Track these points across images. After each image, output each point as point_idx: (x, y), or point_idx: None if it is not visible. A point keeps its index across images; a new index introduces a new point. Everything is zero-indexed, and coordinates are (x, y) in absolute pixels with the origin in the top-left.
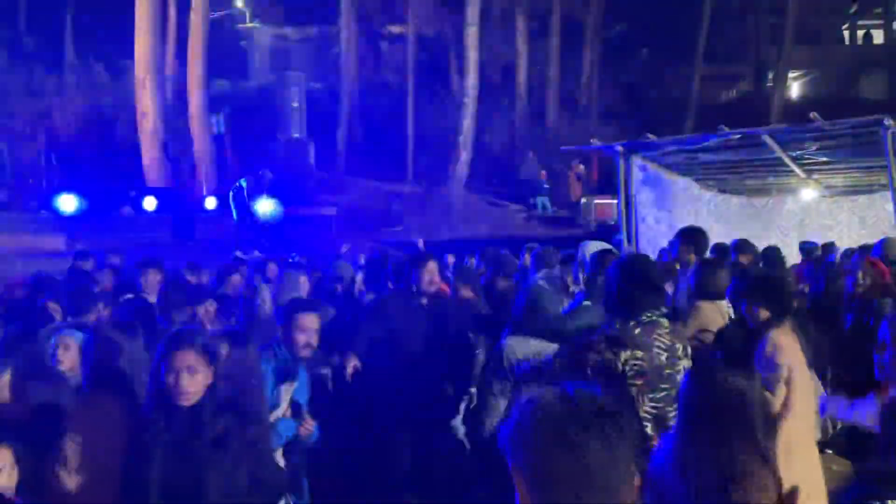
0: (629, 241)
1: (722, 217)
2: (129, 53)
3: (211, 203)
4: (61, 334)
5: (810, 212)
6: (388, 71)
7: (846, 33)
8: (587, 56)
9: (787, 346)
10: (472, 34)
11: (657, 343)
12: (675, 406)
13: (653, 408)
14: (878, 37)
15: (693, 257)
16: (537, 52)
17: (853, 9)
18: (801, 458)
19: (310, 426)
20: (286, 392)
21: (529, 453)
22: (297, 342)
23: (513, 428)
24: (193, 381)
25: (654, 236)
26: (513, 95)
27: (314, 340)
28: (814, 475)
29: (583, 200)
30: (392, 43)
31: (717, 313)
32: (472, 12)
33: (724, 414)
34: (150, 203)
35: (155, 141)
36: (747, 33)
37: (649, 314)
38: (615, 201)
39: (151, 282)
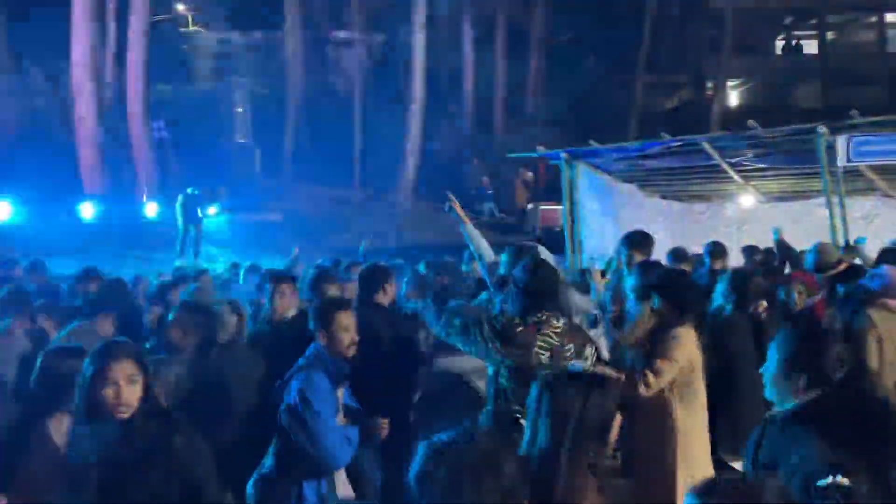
0: (573, 246)
1: (664, 223)
2: (67, 57)
3: (152, 210)
4: None
5: (749, 217)
6: (335, 76)
7: (781, 44)
8: (533, 64)
9: (687, 342)
10: (419, 41)
11: (540, 342)
12: None
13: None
14: (812, 47)
15: (640, 259)
16: (484, 59)
17: (788, 20)
18: (696, 451)
19: (385, 424)
20: (340, 397)
21: (434, 492)
22: (342, 342)
23: (417, 469)
24: (133, 392)
25: (598, 241)
26: (460, 102)
27: (356, 337)
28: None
29: (529, 206)
30: (339, 48)
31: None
32: (419, 19)
33: (556, 423)
34: (87, 210)
35: (93, 146)
36: (687, 43)
37: (539, 315)
38: (561, 207)
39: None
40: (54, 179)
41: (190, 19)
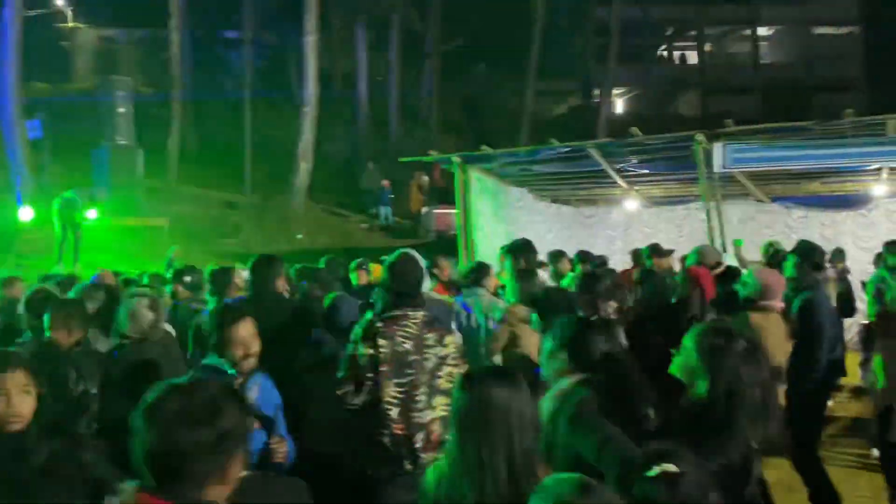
0: (467, 249)
1: (555, 226)
2: None
3: (27, 214)
4: None
5: (633, 221)
6: (224, 77)
7: (664, 54)
8: (427, 68)
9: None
10: (311, 43)
11: (400, 333)
12: (422, 390)
13: (399, 392)
14: (693, 58)
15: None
16: (379, 62)
17: (669, 32)
18: None
19: (278, 443)
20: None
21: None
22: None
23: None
24: (26, 403)
25: (491, 245)
26: (355, 105)
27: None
28: None
29: (424, 210)
30: (228, 48)
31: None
32: (311, 21)
33: (482, 421)
34: None
35: None
36: (576, 52)
37: (399, 310)
38: (455, 211)
39: None
40: None
41: (70, 15)
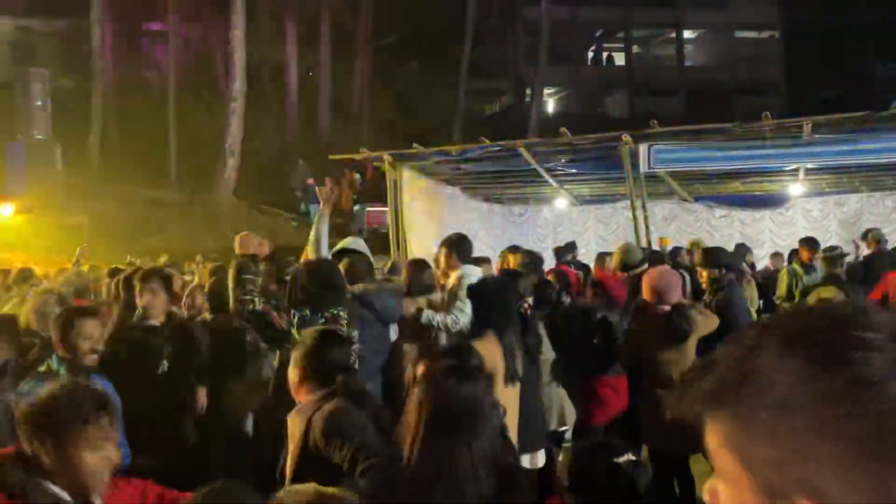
0: (398, 246)
1: (486, 224)
2: None
3: None
4: None
5: (563, 219)
6: (147, 70)
7: (593, 55)
8: (358, 64)
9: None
10: (237, 37)
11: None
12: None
13: None
14: (620, 59)
15: (458, 261)
16: (309, 57)
17: (598, 33)
18: None
19: None
20: None
21: None
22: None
23: None
24: None
25: (422, 242)
26: (283, 99)
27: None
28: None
29: (355, 208)
30: (152, 41)
31: None
32: (237, 16)
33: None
34: None
35: None
36: (507, 51)
37: (332, 309)
38: (387, 209)
39: None
40: None
41: None
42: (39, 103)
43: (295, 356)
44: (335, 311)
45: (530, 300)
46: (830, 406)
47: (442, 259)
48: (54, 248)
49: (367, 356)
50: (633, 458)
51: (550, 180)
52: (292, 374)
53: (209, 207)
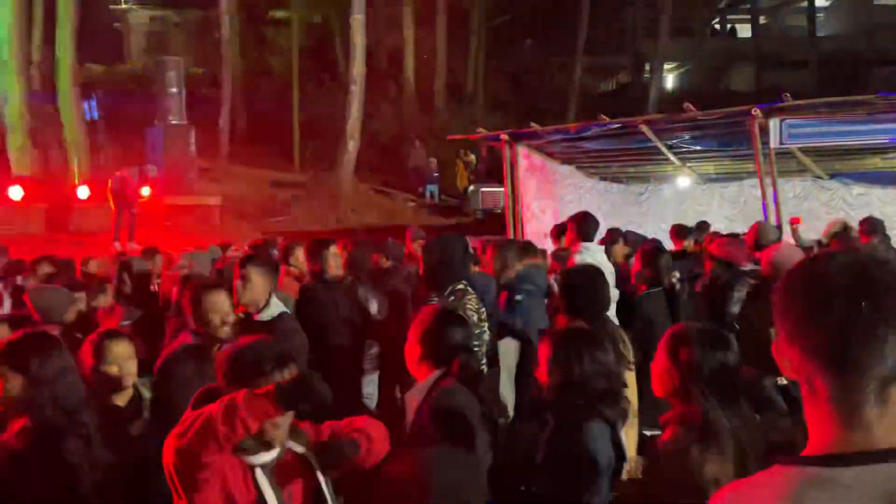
0: (514, 227)
1: (604, 204)
2: None
3: (84, 192)
4: None
5: (686, 198)
6: (272, 56)
7: (717, 27)
8: (473, 45)
9: None
10: (357, 21)
11: (468, 306)
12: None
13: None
14: (745, 31)
15: (579, 241)
16: (425, 39)
17: (722, 4)
18: None
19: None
20: None
21: None
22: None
23: None
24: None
25: (538, 223)
26: (401, 82)
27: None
28: None
29: (470, 189)
30: (277, 28)
31: None
32: (358, 1)
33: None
34: (15, 192)
35: (23, 126)
36: (625, 26)
37: (455, 285)
38: (502, 189)
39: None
40: None
41: None
42: (175, 90)
43: (415, 334)
44: (458, 286)
45: (677, 274)
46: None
47: (565, 237)
48: (189, 227)
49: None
50: None
51: (672, 158)
52: (411, 351)
53: (330, 189)
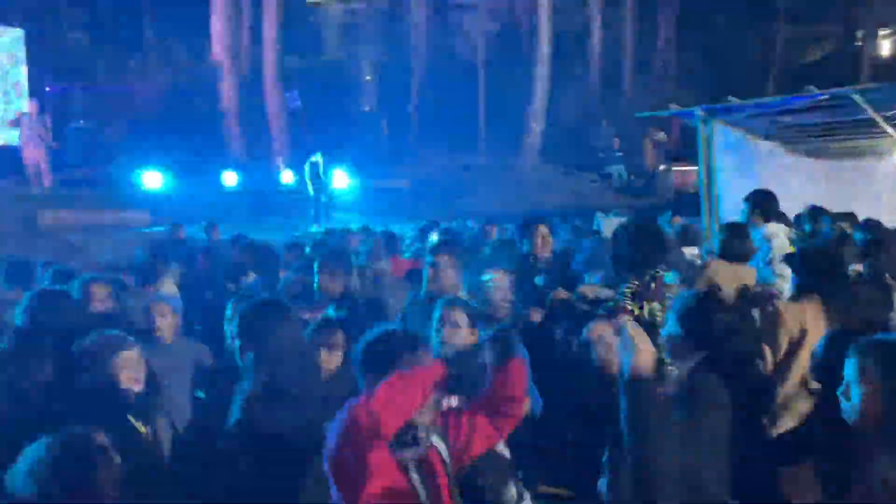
0: (710, 209)
1: (809, 182)
2: (206, 32)
3: (287, 177)
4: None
5: None
6: (457, 40)
7: None
8: (663, 18)
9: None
10: (543, 3)
11: (668, 294)
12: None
13: None
14: None
15: (761, 220)
16: (611, 15)
17: None
18: None
19: None
20: None
21: None
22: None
23: None
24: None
25: (735, 203)
26: (586, 62)
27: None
28: None
29: (660, 168)
30: (462, 12)
31: (731, 275)
32: None
33: None
34: (229, 178)
35: (233, 118)
36: None
37: (655, 270)
38: (695, 168)
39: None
40: (199, 150)
41: None
42: (368, 78)
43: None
44: (657, 273)
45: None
46: None
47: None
48: (381, 210)
49: None
50: None
51: (890, 130)
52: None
53: (515, 171)
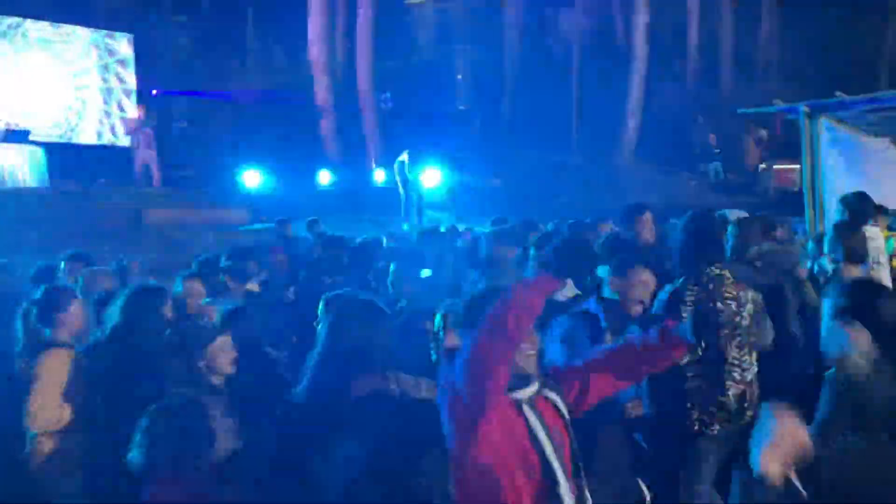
0: (814, 208)
1: None
2: (303, 35)
3: (380, 176)
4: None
5: None
6: (551, 38)
7: None
8: (765, 12)
9: None
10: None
11: (725, 293)
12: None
13: (737, 355)
14: None
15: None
16: (710, 9)
17: None
18: None
19: None
20: None
21: None
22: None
23: None
24: None
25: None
26: (683, 57)
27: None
28: None
29: (761, 166)
30: (557, 9)
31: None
32: None
33: None
34: (324, 177)
35: (328, 118)
36: None
37: (712, 269)
38: (798, 167)
39: None
40: (295, 150)
41: None
42: (460, 76)
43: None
44: (715, 271)
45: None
46: None
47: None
48: (473, 208)
49: None
50: None
51: None
52: None
53: (609, 169)
